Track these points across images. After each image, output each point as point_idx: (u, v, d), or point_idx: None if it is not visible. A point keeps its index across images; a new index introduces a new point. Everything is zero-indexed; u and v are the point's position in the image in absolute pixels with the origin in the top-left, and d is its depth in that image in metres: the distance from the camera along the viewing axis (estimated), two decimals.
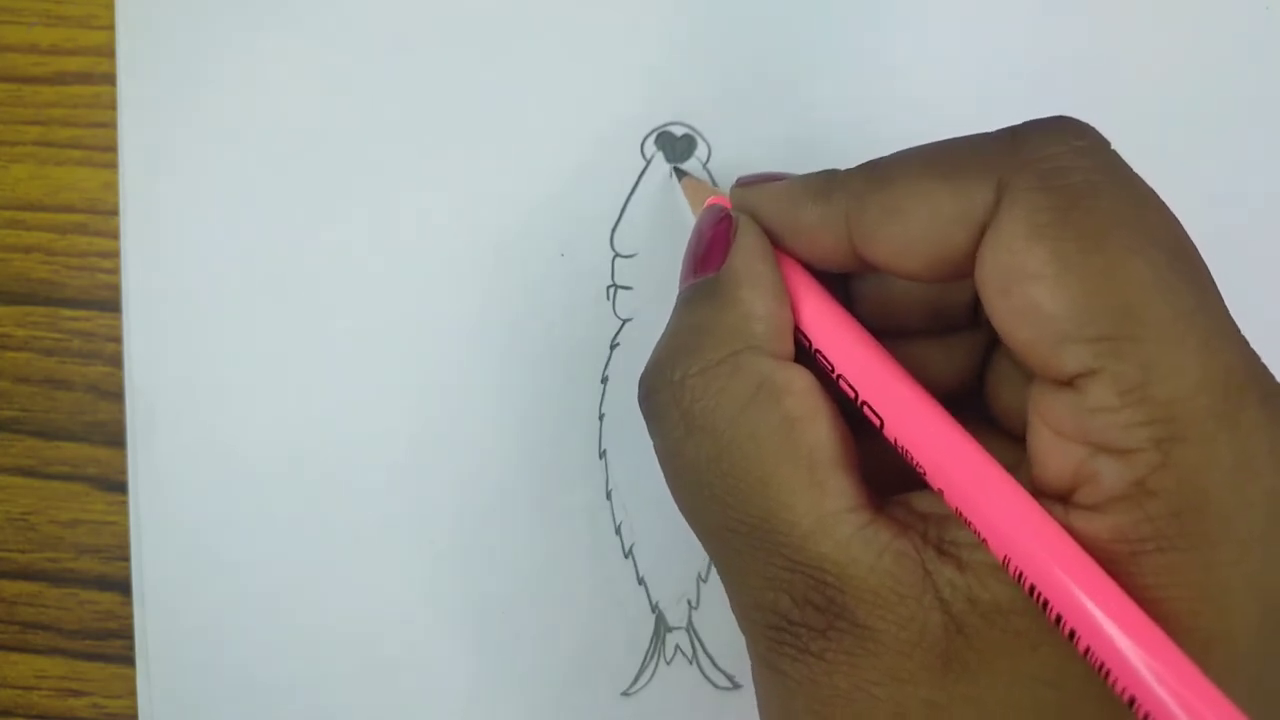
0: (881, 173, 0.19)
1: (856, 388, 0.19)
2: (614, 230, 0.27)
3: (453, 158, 0.27)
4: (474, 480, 0.27)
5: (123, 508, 0.27)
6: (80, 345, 0.28)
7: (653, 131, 0.27)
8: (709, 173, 0.27)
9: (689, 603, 0.27)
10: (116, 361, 0.28)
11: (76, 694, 0.28)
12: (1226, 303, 0.17)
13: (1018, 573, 0.16)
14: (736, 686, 0.27)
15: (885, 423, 0.19)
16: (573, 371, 0.27)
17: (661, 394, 0.20)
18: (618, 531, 0.27)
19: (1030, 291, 0.17)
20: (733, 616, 0.20)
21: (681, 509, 0.21)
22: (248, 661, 0.27)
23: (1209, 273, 0.17)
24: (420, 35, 0.28)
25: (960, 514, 0.18)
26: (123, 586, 0.27)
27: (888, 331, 0.21)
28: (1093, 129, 0.18)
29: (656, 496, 0.27)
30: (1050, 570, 0.16)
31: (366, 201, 0.27)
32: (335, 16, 0.28)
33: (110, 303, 0.28)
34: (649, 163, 0.27)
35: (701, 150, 0.27)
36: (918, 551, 0.17)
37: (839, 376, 0.20)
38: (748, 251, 0.21)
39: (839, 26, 0.27)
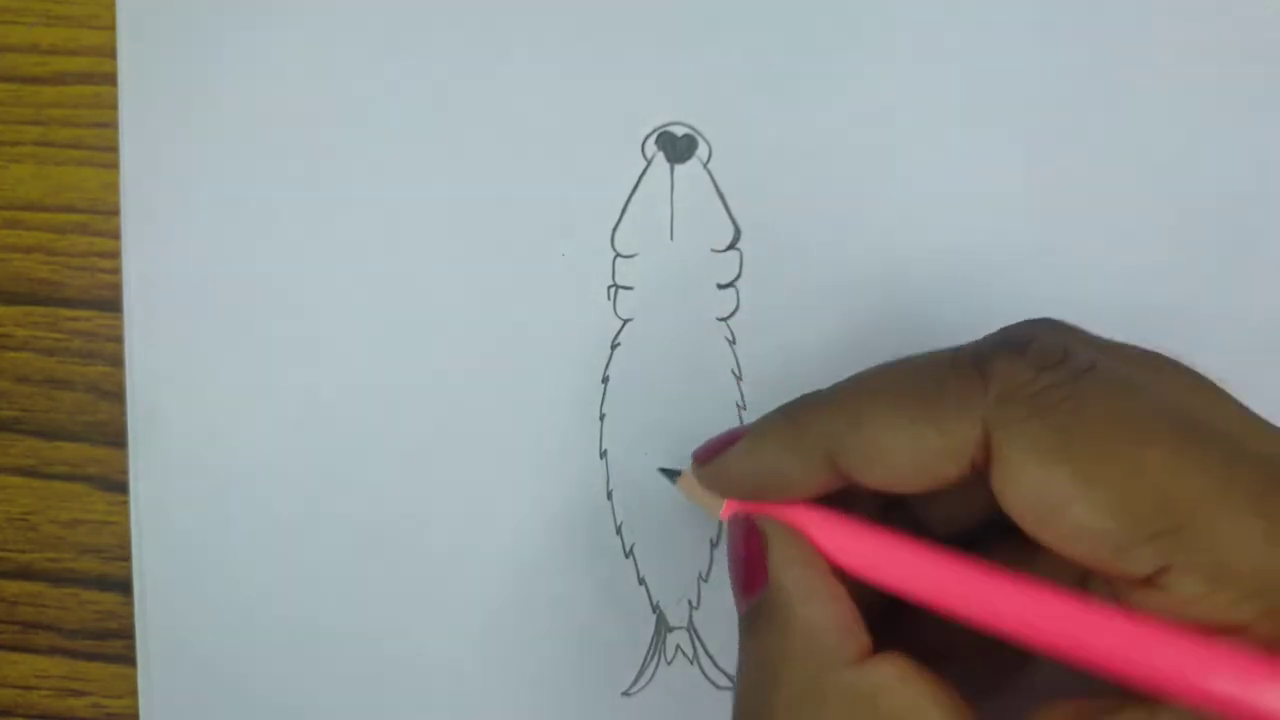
0: (851, 413, 0.19)
1: (933, 603, 0.19)
2: (614, 230, 0.27)
3: (453, 158, 0.27)
4: (474, 480, 0.27)
5: (123, 508, 0.27)
6: (80, 345, 0.28)
7: (653, 131, 0.27)
8: (709, 173, 0.27)
9: (690, 603, 0.27)
10: (116, 361, 0.28)
11: (77, 694, 0.28)
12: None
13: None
14: None
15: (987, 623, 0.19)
16: (573, 371, 0.27)
17: None
18: (618, 531, 0.27)
19: (1068, 519, 0.17)
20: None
21: None
22: (248, 661, 0.27)
23: (1219, 391, 0.18)
24: (420, 35, 0.28)
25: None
26: (123, 586, 0.27)
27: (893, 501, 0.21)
28: (1046, 335, 0.18)
29: (656, 496, 0.27)
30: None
31: (366, 201, 0.27)
32: (335, 16, 0.28)
33: (110, 303, 0.28)
34: (649, 163, 0.27)
35: (702, 150, 0.27)
36: None
37: (906, 598, 0.19)
38: (787, 563, 0.20)
39: (839, 26, 0.27)
